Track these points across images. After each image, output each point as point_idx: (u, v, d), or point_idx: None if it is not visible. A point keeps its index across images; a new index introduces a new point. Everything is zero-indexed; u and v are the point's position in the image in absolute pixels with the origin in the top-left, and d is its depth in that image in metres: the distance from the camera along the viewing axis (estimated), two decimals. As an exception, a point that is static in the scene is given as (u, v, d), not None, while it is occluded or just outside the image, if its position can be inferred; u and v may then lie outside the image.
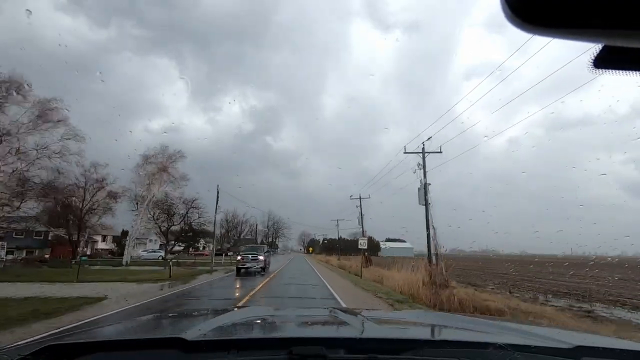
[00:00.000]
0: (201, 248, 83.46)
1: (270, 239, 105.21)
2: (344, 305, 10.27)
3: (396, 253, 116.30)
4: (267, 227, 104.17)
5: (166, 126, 78.39)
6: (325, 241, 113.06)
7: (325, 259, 61.05)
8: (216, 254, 73.27)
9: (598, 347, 1.17)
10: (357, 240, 33.43)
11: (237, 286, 16.80)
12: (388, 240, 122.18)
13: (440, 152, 17.99)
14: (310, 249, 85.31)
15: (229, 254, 63.30)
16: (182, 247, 68.49)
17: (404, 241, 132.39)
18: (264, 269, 23.14)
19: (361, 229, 40.82)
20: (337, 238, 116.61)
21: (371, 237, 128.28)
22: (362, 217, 41.12)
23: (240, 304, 10.38)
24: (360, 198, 39.34)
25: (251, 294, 12.95)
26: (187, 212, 54.33)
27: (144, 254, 46.61)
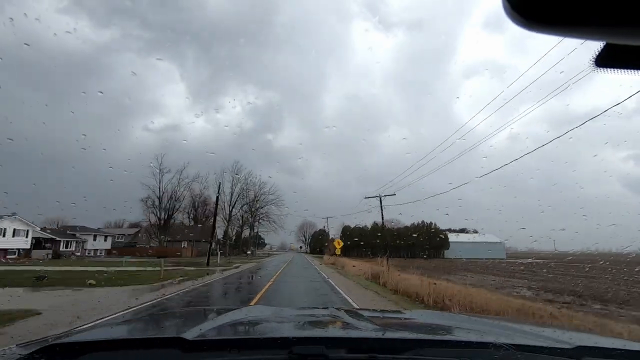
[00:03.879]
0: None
1: (239, 227, 57.29)
2: None
3: (477, 252, 64.05)
4: (231, 199, 55.68)
5: (168, 125, 75.61)
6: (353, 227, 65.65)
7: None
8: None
9: (599, 347, 1.17)
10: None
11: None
12: (450, 230, 72.51)
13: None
14: (338, 243, 36.34)
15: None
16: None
17: (474, 231, 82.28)
18: None
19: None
20: (369, 226, 69.81)
21: (430, 224, 78.13)
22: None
23: None
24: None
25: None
26: None
27: None
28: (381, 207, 26.54)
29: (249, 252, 43.55)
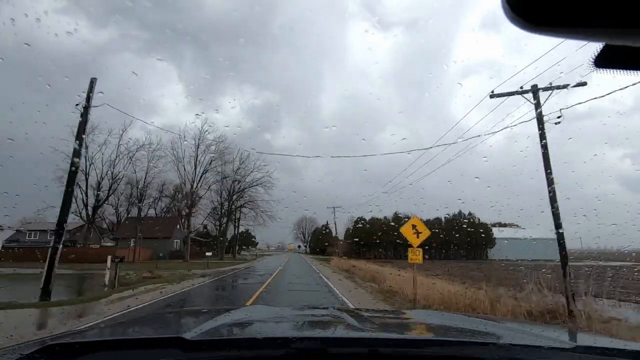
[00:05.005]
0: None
1: (218, 218, 43.42)
2: None
3: (527, 251, 53.24)
4: (194, 172, 39.73)
5: (166, 125, 71.87)
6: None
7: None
8: None
9: (598, 347, 1.17)
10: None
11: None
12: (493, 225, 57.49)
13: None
14: (412, 230, 11.05)
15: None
16: None
17: (517, 225, 67.04)
18: None
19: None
20: (385, 218, 54.91)
21: (469, 215, 62.42)
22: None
23: None
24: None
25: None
26: None
27: None
28: (539, 114, 10.03)
29: (208, 254, 29.12)
